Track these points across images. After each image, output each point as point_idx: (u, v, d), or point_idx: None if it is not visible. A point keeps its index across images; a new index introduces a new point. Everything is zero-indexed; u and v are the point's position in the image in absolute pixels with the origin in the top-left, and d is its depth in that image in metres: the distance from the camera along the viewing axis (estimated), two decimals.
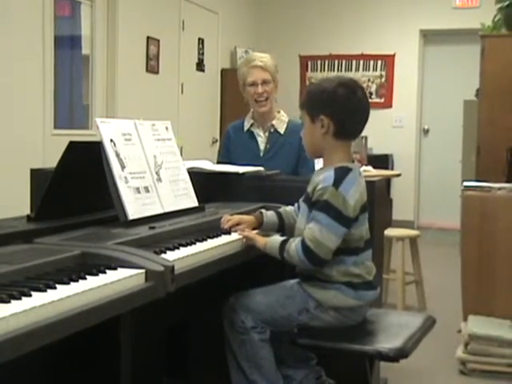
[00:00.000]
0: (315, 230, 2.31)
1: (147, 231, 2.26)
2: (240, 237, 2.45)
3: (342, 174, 2.35)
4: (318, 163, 2.57)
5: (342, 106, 2.39)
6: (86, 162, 2.33)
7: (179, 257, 2.04)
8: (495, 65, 6.39)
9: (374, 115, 10.19)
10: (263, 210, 2.67)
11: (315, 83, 2.57)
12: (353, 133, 2.47)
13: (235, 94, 7.92)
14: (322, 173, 2.42)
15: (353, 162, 2.51)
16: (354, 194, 2.35)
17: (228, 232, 2.48)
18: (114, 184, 2.33)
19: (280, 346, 2.53)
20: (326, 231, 2.30)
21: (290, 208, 2.68)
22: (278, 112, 3.72)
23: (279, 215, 2.65)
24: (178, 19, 7.56)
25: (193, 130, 7.73)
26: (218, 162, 3.66)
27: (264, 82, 3.59)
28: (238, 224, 2.52)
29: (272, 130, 3.67)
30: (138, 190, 2.43)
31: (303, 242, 2.32)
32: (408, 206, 9.27)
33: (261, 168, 3.30)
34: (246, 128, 3.71)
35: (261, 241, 2.45)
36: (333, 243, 2.32)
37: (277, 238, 2.45)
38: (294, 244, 2.35)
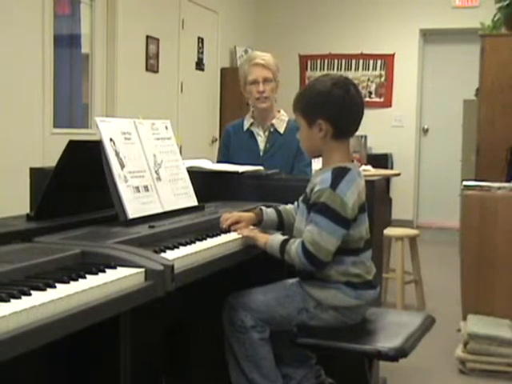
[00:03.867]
0: (314, 233, 2.30)
1: (147, 230, 2.25)
2: (240, 236, 2.44)
3: (339, 175, 2.34)
4: (318, 162, 2.56)
5: (338, 108, 2.37)
6: (85, 161, 2.33)
7: (179, 256, 2.04)
8: (495, 64, 6.39)
9: (374, 114, 10.16)
10: (263, 207, 2.66)
11: (307, 85, 2.51)
12: (351, 131, 2.46)
13: (235, 93, 7.99)
14: (320, 174, 2.41)
15: (352, 161, 2.50)
16: (351, 195, 2.34)
17: (227, 231, 2.47)
18: (114, 183, 2.33)
19: (279, 345, 2.52)
20: (325, 234, 2.30)
21: (289, 206, 2.67)
22: (278, 111, 3.71)
23: (279, 213, 2.64)
24: (178, 18, 7.55)
25: (192, 129, 7.73)
26: (219, 162, 3.66)
27: (265, 80, 3.58)
28: (237, 221, 2.51)
29: (272, 130, 3.66)
30: (137, 189, 2.43)
31: (303, 245, 2.31)
32: (407, 206, 9.27)
33: (260, 167, 3.30)
34: (245, 127, 3.70)
35: (261, 239, 2.44)
36: (332, 245, 2.31)
37: (277, 238, 2.44)
38: (294, 246, 2.34)
